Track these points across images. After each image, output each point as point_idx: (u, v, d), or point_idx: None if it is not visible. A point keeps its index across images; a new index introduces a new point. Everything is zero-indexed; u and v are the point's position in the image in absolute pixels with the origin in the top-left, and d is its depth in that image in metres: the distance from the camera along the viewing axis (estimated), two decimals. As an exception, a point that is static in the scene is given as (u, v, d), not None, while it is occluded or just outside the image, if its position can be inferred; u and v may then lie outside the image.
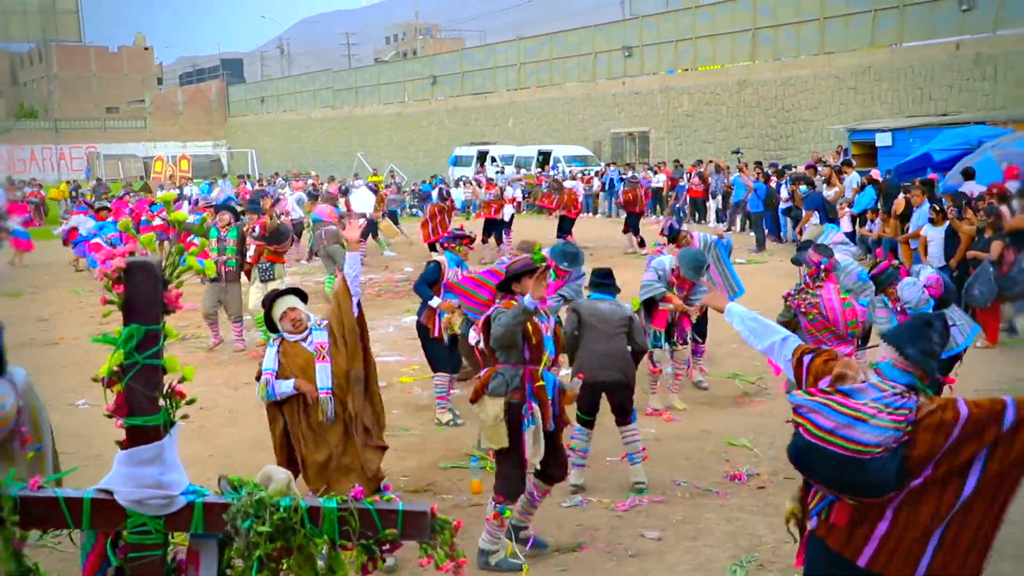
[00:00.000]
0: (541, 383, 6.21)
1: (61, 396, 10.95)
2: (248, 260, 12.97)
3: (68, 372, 11.70)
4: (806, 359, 4.43)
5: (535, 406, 6.14)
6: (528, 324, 6.17)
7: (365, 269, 21.09)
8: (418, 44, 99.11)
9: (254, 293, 12.82)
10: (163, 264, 2.89)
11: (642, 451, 7.64)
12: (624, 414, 7.65)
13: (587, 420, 7.72)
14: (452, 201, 22.22)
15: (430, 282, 9.47)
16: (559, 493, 7.58)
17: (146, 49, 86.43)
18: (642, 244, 21.41)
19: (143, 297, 2.79)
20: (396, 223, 25.24)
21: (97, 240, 19.02)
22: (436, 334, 9.47)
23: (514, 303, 6.18)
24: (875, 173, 20.47)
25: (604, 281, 7.87)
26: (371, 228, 22.34)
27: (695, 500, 7.39)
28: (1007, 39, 26.52)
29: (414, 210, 34.65)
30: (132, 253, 2.84)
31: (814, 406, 3.96)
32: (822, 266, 7.88)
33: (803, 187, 19.93)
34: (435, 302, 9.39)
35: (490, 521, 6.30)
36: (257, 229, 12.99)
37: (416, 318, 9.87)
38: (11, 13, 70.58)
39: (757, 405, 9.97)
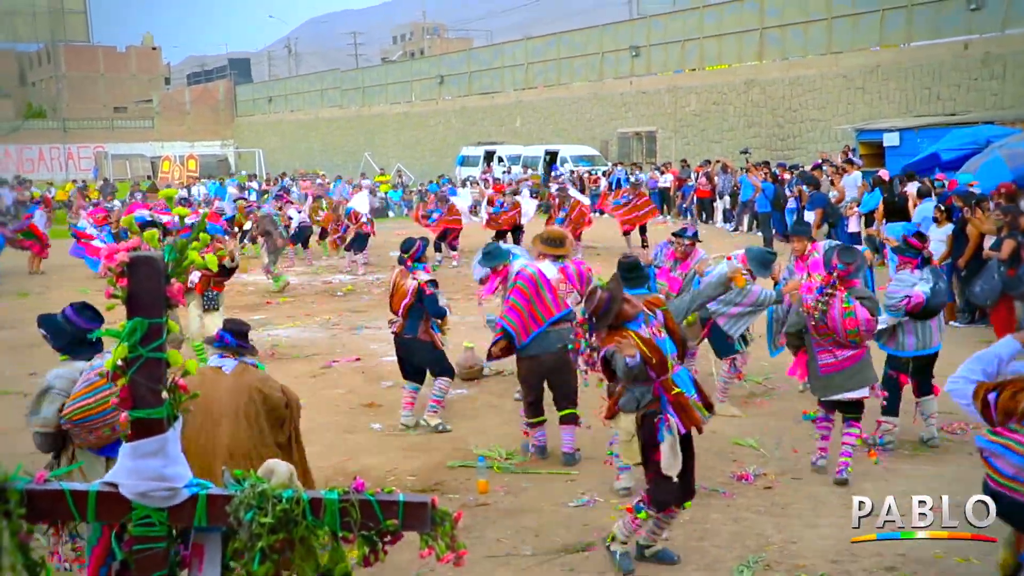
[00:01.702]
0: (677, 390, 5.91)
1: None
2: (191, 286, 12.01)
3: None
4: (991, 397, 3.87)
5: (671, 418, 5.86)
6: (642, 347, 5.83)
7: (372, 269, 21.18)
8: (425, 44, 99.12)
9: (195, 320, 11.92)
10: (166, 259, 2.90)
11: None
12: None
13: None
14: (455, 208, 22.03)
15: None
16: (565, 493, 7.59)
17: (154, 49, 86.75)
18: (644, 246, 21.20)
19: (146, 291, 2.81)
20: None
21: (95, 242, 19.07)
22: (439, 346, 9.37)
23: (620, 339, 5.84)
24: (883, 173, 20.43)
25: (630, 275, 7.40)
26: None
27: (702, 500, 7.36)
28: (1015, 38, 26.43)
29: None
30: (136, 248, 2.86)
31: (996, 449, 3.60)
32: (836, 272, 7.59)
33: (812, 190, 19.90)
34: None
35: (628, 513, 6.14)
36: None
37: (411, 335, 9.31)
38: (19, 14, 70.75)
39: (764, 405, 9.96)
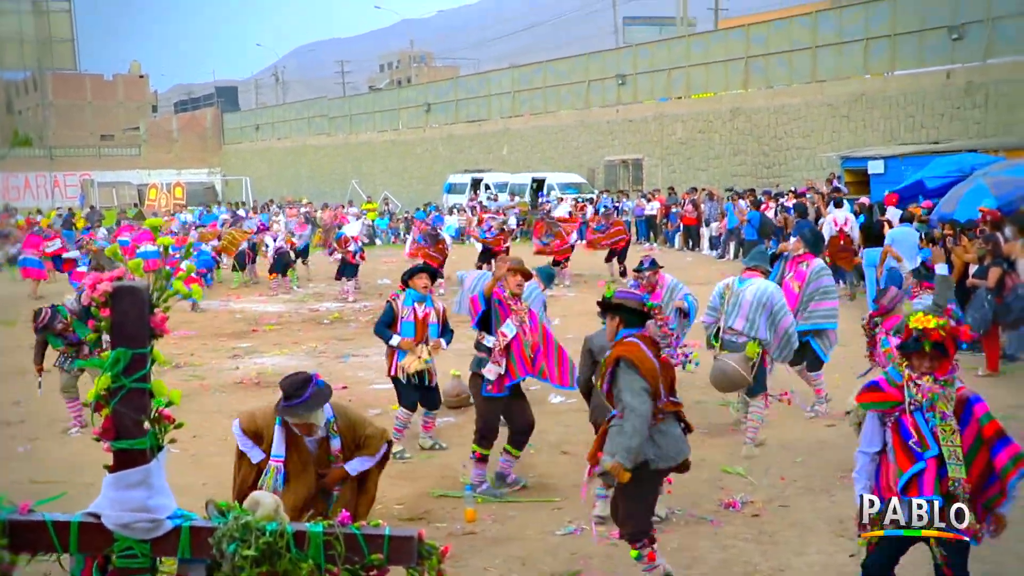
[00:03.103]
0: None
1: (54, 424, 10.93)
2: None
3: (61, 399, 11.61)
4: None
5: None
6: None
7: (360, 296, 21.16)
8: (412, 72, 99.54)
9: None
10: (150, 289, 2.89)
11: (666, 482, 7.08)
12: None
13: None
14: (444, 244, 21.66)
15: (388, 323, 9.53)
16: (552, 521, 7.56)
17: (141, 77, 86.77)
18: (623, 274, 21.11)
19: (130, 321, 2.80)
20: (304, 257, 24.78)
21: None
22: (392, 373, 9.51)
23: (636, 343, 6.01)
24: (864, 200, 20.62)
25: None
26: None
27: (690, 528, 7.35)
28: (997, 68, 26.71)
29: (406, 236, 34.77)
30: (120, 278, 2.84)
31: None
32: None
33: (797, 217, 20.04)
34: (395, 340, 9.42)
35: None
36: None
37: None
38: (7, 41, 70.81)
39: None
